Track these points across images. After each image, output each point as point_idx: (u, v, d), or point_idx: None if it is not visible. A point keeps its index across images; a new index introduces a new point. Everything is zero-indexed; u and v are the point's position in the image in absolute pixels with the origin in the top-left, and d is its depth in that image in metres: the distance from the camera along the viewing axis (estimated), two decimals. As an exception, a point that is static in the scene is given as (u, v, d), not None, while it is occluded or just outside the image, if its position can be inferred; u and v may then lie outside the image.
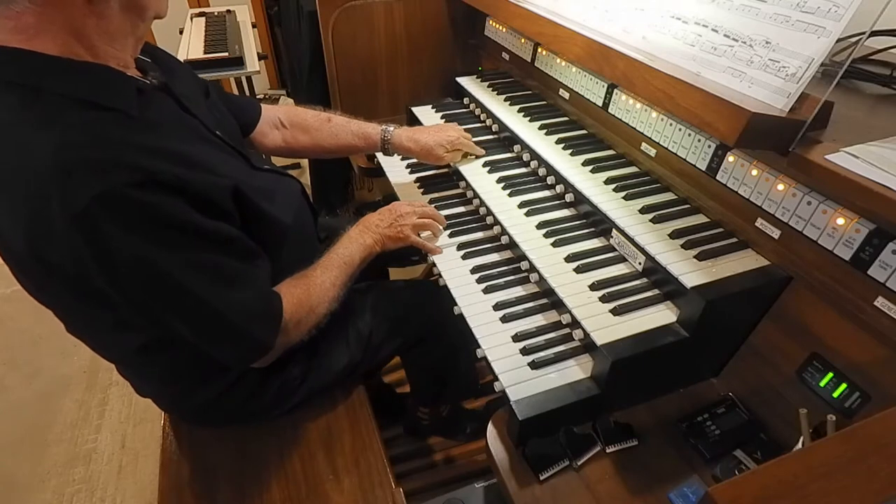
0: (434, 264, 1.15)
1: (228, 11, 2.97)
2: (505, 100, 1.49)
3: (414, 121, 1.61)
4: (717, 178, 0.96)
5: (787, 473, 0.46)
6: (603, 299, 0.94)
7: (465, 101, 1.62)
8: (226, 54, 2.30)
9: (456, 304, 1.04)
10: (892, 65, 1.06)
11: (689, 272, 0.89)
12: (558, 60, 1.36)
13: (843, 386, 0.81)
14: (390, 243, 1.13)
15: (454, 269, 1.13)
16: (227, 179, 0.80)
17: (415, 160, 1.44)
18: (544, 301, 1.04)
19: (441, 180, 1.42)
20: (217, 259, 0.79)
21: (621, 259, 1.04)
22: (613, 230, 1.04)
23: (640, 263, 1.00)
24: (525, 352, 0.93)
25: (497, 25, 1.62)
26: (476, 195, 1.27)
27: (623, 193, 1.08)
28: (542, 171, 1.26)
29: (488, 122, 1.49)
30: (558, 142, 1.27)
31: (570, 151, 1.24)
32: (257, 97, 3.44)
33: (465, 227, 1.23)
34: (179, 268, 0.75)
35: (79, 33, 0.70)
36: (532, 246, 1.07)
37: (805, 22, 0.78)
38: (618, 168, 1.18)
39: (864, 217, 0.75)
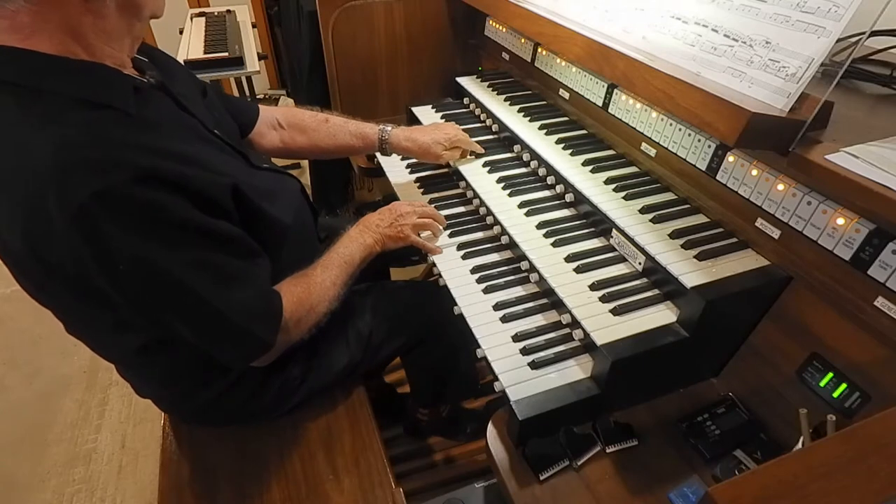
0: (434, 264, 1.15)
1: (228, 11, 2.97)
2: (505, 100, 1.49)
3: (414, 121, 1.61)
4: (717, 178, 0.96)
5: (787, 473, 0.46)
6: (603, 299, 0.94)
7: (465, 101, 1.62)
8: (226, 54, 2.30)
9: (456, 304, 1.04)
10: (892, 65, 1.06)
11: (689, 272, 0.89)
12: (558, 60, 1.36)
13: (843, 386, 0.81)
14: (390, 243, 1.13)
15: (454, 269, 1.13)
16: (226, 178, 0.80)
17: (415, 160, 1.44)
18: (544, 301, 1.04)
19: (441, 180, 1.42)
20: (217, 257, 0.79)
21: (621, 259, 1.04)
22: (613, 230, 1.04)
23: (640, 263, 1.00)
24: (525, 352, 0.93)
25: (497, 25, 1.62)
26: (476, 195, 1.26)
27: (623, 193, 1.08)
28: (542, 171, 1.26)
29: (488, 122, 1.49)
30: (558, 142, 1.27)
31: (570, 151, 1.24)
32: (257, 97, 3.44)
33: (465, 227, 1.23)
34: (179, 266, 0.75)
35: (75, 32, 0.70)
36: (532, 246, 1.07)
37: (805, 22, 0.78)
38: (618, 168, 1.18)
39: (864, 217, 0.75)
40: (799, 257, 0.86)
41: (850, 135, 0.80)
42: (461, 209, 1.31)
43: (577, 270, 1.01)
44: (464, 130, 1.37)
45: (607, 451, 0.89)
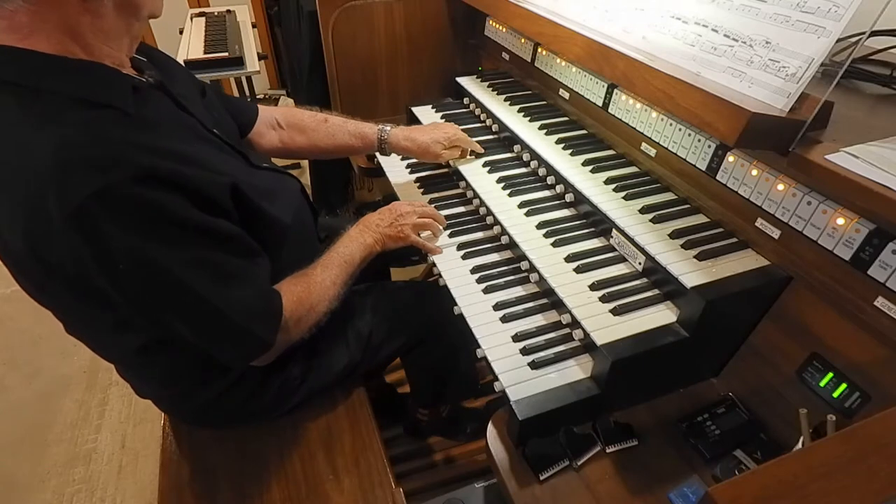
0: (434, 264, 1.15)
1: (228, 11, 2.97)
2: (505, 100, 1.49)
3: (414, 121, 1.61)
4: (717, 178, 0.96)
5: (787, 473, 0.46)
6: (603, 299, 0.94)
7: (465, 101, 1.62)
8: (226, 54, 2.30)
9: (456, 304, 1.04)
10: (892, 65, 1.06)
11: (689, 272, 0.89)
12: (558, 60, 1.36)
13: (843, 386, 0.81)
14: (390, 243, 1.13)
15: (454, 269, 1.13)
16: (225, 177, 0.80)
17: (415, 160, 1.44)
18: (544, 301, 1.04)
19: (441, 180, 1.42)
20: (217, 256, 0.79)
21: (621, 259, 1.04)
22: (613, 230, 1.04)
23: (640, 263, 1.00)
24: (525, 352, 0.93)
25: (497, 25, 1.62)
26: (476, 195, 1.26)
27: (623, 193, 1.08)
28: (542, 171, 1.26)
29: (488, 122, 1.49)
30: (558, 142, 1.27)
31: (570, 151, 1.24)
32: (257, 97, 3.44)
33: (465, 227, 1.23)
34: (179, 265, 0.75)
35: (73, 32, 0.70)
36: (532, 246, 1.07)
37: (805, 22, 0.78)
38: (618, 168, 1.18)
39: (864, 217, 0.75)
40: (799, 257, 0.86)
41: (850, 135, 0.80)
42: (461, 209, 1.31)
43: (577, 270, 1.01)
44: (464, 130, 1.37)
45: (607, 451, 0.89)
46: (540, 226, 1.12)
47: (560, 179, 1.19)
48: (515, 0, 1.32)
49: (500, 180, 1.27)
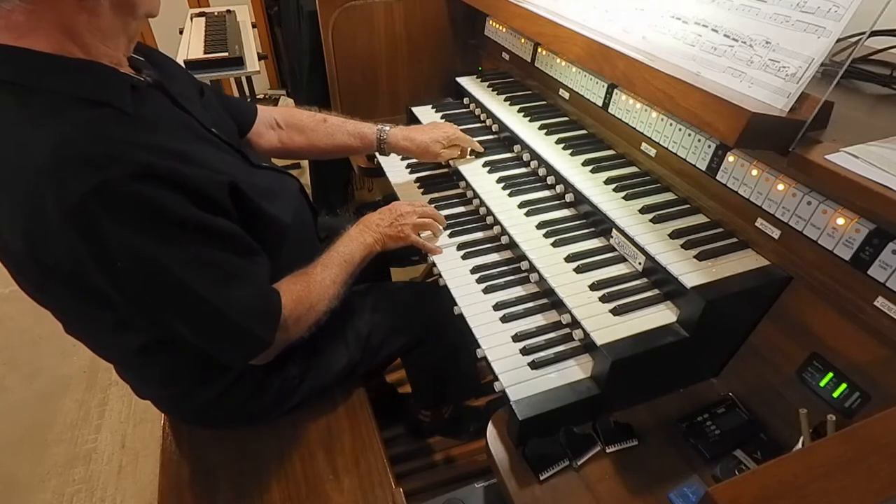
0: (434, 264, 1.15)
1: (228, 11, 2.97)
2: (505, 100, 1.49)
3: (414, 121, 1.61)
4: (717, 178, 0.96)
5: (787, 473, 0.46)
6: (603, 299, 0.94)
7: (465, 101, 1.62)
8: (226, 54, 2.30)
9: (456, 304, 1.04)
10: (892, 65, 1.06)
11: (689, 272, 0.89)
12: (558, 60, 1.36)
13: (843, 386, 0.81)
14: (390, 242, 1.13)
15: (454, 269, 1.13)
16: (224, 176, 0.80)
17: (414, 160, 1.44)
18: (544, 301, 1.04)
19: (441, 180, 1.42)
20: (216, 255, 0.79)
21: (621, 259, 1.04)
22: (613, 230, 1.04)
23: (640, 263, 1.00)
24: (525, 352, 0.93)
25: (497, 25, 1.62)
26: (476, 195, 1.26)
27: (623, 193, 1.08)
28: (542, 171, 1.26)
29: (488, 122, 1.49)
30: (558, 142, 1.27)
31: (570, 151, 1.24)
32: (257, 97, 3.44)
33: (465, 227, 1.23)
34: (178, 264, 0.75)
35: (70, 31, 0.70)
36: (532, 246, 1.07)
37: (805, 22, 0.78)
38: (618, 168, 1.18)
39: (864, 217, 0.75)
40: (799, 257, 0.86)
41: (850, 135, 0.80)
42: (461, 209, 1.31)
43: (577, 270, 1.01)
44: (464, 130, 1.37)
45: (607, 451, 0.89)
46: (540, 226, 1.12)
47: (560, 179, 1.19)
48: (515, 0, 1.32)
49: (500, 180, 1.27)
